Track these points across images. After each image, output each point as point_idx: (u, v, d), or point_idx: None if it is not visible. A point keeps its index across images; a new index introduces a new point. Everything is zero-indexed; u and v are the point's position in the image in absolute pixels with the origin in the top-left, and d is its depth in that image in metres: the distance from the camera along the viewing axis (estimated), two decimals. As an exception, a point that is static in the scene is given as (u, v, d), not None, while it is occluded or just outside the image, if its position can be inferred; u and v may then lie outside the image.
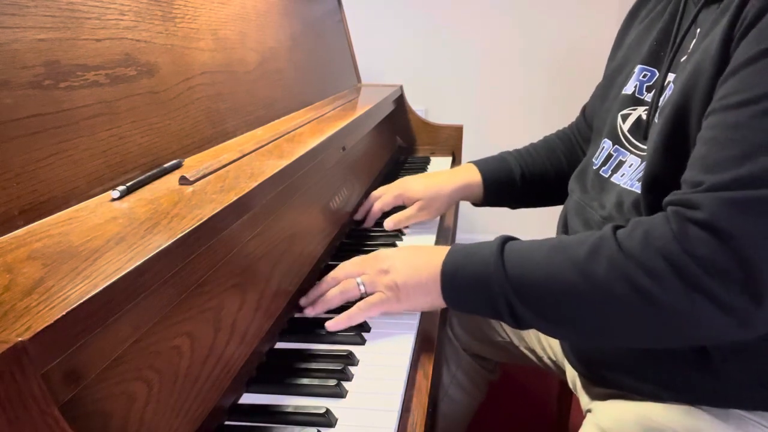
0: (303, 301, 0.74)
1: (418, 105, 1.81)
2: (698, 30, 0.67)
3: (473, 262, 0.66)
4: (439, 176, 1.04)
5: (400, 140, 1.60)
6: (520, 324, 0.63)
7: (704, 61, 0.60)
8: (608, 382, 0.74)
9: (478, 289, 0.64)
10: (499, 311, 0.63)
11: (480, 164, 1.03)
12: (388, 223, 0.97)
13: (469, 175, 1.01)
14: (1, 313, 0.34)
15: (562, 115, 2.06)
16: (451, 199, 1.01)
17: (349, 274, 0.73)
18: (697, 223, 0.54)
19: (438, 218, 1.06)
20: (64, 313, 0.34)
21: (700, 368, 0.65)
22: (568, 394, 1.33)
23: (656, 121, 0.69)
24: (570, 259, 0.60)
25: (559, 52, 2.00)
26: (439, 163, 1.51)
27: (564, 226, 0.84)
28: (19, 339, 0.31)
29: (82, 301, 0.36)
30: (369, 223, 1.04)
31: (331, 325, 0.68)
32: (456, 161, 1.57)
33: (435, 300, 0.68)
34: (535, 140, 1.08)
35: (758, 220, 0.52)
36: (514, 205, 1.07)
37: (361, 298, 0.71)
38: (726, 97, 0.56)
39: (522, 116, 2.07)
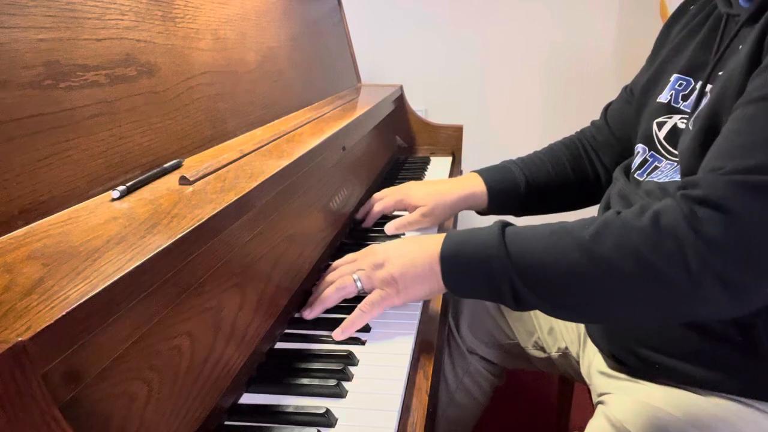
0: (305, 311, 0.72)
1: (418, 105, 1.81)
2: (740, 46, 0.69)
3: (473, 244, 0.66)
4: (443, 185, 1.03)
5: (400, 140, 1.60)
6: (520, 306, 0.64)
7: (735, 70, 0.63)
8: (636, 361, 0.73)
9: (479, 271, 0.64)
10: (501, 293, 0.63)
11: (483, 173, 1.02)
12: (389, 228, 0.97)
13: (473, 185, 1.00)
14: (1, 313, 0.34)
15: (562, 116, 2.07)
16: (454, 208, 1.00)
17: (344, 272, 0.73)
18: (702, 203, 0.56)
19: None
20: (64, 313, 0.34)
21: (743, 349, 0.65)
22: (568, 395, 1.33)
23: (690, 128, 0.70)
24: (575, 240, 0.61)
25: (559, 52, 2.00)
26: (439, 163, 1.51)
27: (606, 209, 0.84)
28: (19, 339, 0.31)
29: (82, 301, 0.36)
30: (368, 223, 1.03)
31: (337, 334, 0.68)
32: (456, 161, 1.57)
33: (434, 287, 0.68)
34: (534, 140, 1.07)
35: (766, 202, 0.54)
36: (518, 213, 1.06)
37: (358, 295, 0.71)
38: (749, 93, 0.59)
39: (522, 116, 2.07)
